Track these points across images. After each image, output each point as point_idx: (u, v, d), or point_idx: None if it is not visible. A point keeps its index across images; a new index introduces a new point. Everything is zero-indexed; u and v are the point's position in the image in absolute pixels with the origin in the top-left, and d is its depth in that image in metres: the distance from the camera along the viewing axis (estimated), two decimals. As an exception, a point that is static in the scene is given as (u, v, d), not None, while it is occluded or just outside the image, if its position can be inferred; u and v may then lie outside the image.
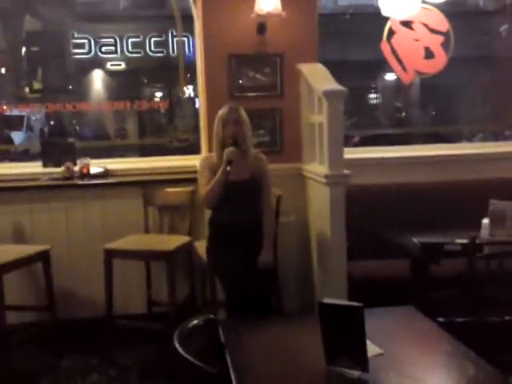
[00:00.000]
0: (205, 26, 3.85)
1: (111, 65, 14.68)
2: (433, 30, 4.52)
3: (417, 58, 4.55)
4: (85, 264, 3.96)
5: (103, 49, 14.20)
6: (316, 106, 3.55)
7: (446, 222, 3.60)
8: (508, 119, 5.86)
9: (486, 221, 3.21)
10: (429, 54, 4.54)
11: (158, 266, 3.81)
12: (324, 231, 3.38)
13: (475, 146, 5.63)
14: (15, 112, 12.08)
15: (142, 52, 14.19)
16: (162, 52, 14.10)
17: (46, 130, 14.80)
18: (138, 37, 14.10)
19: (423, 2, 4.20)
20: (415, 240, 3.16)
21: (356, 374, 1.73)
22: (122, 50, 14.17)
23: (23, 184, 3.99)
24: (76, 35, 14.17)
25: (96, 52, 14.20)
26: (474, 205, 3.66)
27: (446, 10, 4.61)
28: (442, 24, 4.55)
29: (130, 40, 14.11)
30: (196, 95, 5.55)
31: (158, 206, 3.91)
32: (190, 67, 4.61)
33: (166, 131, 11.99)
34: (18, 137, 13.33)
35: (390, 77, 14.05)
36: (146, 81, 15.60)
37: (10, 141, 12.34)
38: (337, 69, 3.79)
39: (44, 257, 3.53)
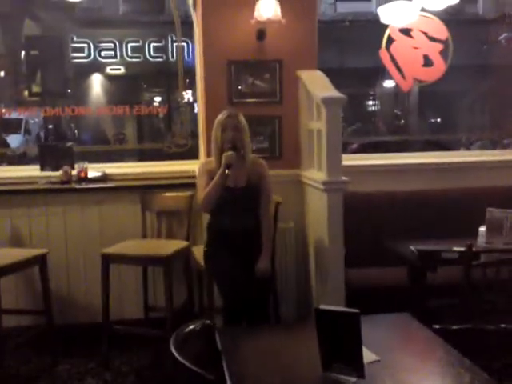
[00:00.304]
0: (204, 31, 3.86)
1: (110, 69, 14.69)
2: (432, 38, 4.55)
3: (416, 66, 4.57)
4: (82, 268, 3.96)
5: (102, 53, 14.21)
6: (315, 113, 3.55)
7: (443, 230, 3.62)
8: (506, 127, 5.88)
9: (482, 229, 3.22)
10: (428, 62, 4.56)
11: (155, 271, 3.82)
12: (322, 238, 3.38)
13: (473, 153, 5.64)
14: (13, 115, 12.09)
15: (142, 57, 14.22)
16: (161, 57, 14.12)
17: (42, 133, 14.80)
18: (137, 41, 14.12)
19: (422, 10, 4.21)
20: (412, 247, 3.17)
21: (352, 380, 1.73)
22: (121, 55, 14.19)
23: (21, 187, 3.99)
24: (75, 39, 14.19)
25: (95, 56, 14.21)
26: (471, 213, 3.68)
27: (445, 19, 4.63)
28: (441, 32, 4.58)
29: (130, 45, 14.13)
30: (195, 100, 5.55)
31: (156, 210, 3.91)
32: (189, 72, 4.62)
33: (164, 136, 12.00)
34: (15, 140, 13.33)
35: (388, 84, 14.08)
36: (145, 85, 15.62)
37: (6, 144, 12.35)
38: (335, 76, 3.79)
39: (41, 261, 3.52)
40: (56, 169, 4.09)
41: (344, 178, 3.27)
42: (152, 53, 14.20)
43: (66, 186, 3.99)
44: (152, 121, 14.79)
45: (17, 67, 15.31)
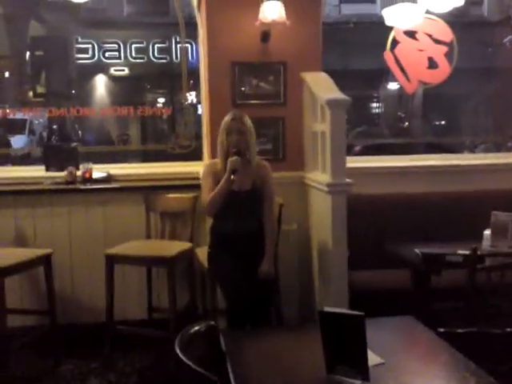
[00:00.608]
0: (209, 33, 3.86)
1: (114, 70, 14.72)
2: (437, 41, 4.55)
3: (420, 68, 4.57)
4: (86, 269, 3.97)
5: (107, 54, 14.25)
6: (319, 115, 3.55)
7: (448, 233, 3.61)
8: (511, 130, 5.86)
9: (487, 232, 3.22)
10: (432, 64, 4.56)
11: (159, 271, 3.82)
12: (325, 240, 3.37)
13: (477, 156, 5.64)
14: (18, 116, 12.12)
15: (146, 58, 14.24)
16: (165, 58, 14.14)
17: (44, 134, 14.83)
18: (141, 43, 14.15)
19: (427, 12, 4.21)
20: (417, 250, 3.16)
21: (357, 383, 1.73)
22: (125, 56, 14.22)
23: (26, 188, 4.00)
24: (80, 40, 14.23)
25: (99, 57, 14.25)
26: (475, 216, 3.67)
27: (450, 21, 4.63)
28: (446, 34, 4.57)
29: (134, 46, 14.17)
30: (198, 102, 5.56)
31: (160, 211, 3.91)
32: (193, 74, 4.63)
33: (167, 137, 12.01)
34: (20, 140, 13.36)
35: (392, 86, 14.07)
36: (148, 86, 15.64)
37: (9, 145, 12.39)
38: (339, 78, 3.79)
39: (45, 261, 3.52)
40: (61, 169, 4.11)
41: (348, 180, 3.27)
42: (156, 54, 14.23)
43: (70, 186, 4.00)
44: (156, 122, 14.80)
45: (22, 68, 15.36)
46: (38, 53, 14.90)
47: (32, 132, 14.61)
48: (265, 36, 3.79)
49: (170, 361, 3.40)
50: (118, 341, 3.55)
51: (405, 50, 4.54)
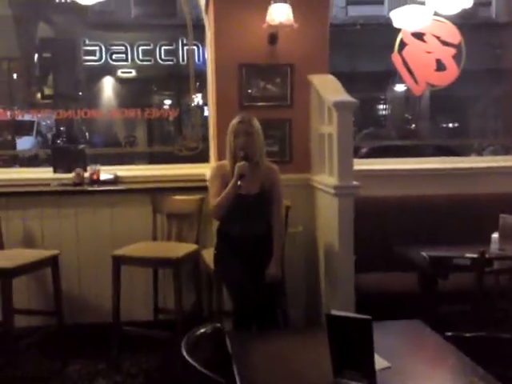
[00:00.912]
0: (216, 35, 3.87)
1: (122, 72, 14.77)
2: (445, 43, 4.53)
3: (428, 70, 4.55)
4: (93, 270, 3.98)
5: (114, 56, 14.30)
6: (326, 117, 3.55)
7: (455, 236, 3.59)
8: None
9: (495, 235, 3.20)
10: (440, 67, 4.54)
11: (165, 273, 3.82)
12: (332, 243, 3.37)
13: (485, 159, 5.62)
14: (26, 117, 12.17)
15: (153, 60, 14.29)
16: (171, 60, 14.18)
17: (49, 135, 14.89)
18: (148, 45, 14.20)
19: (435, 14, 4.19)
20: (424, 253, 3.15)
21: (364, 387, 1.72)
22: (132, 58, 14.27)
23: (34, 189, 4.02)
24: (87, 42, 14.29)
25: (107, 59, 14.30)
26: (483, 219, 3.66)
27: (458, 23, 4.62)
28: (454, 36, 4.56)
29: (141, 48, 14.21)
30: (205, 103, 5.57)
31: (167, 213, 3.92)
32: (199, 76, 4.64)
33: (174, 139, 12.03)
34: (27, 142, 13.42)
35: (399, 88, 14.04)
36: (155, 89, 15.68)
37: (15, 146, 12.45)
38: (346, 80, 3.79)
39: (53, 262, 3.54)
40: (68, 171, 4.13)
41: (355, 183, 3.26)
42: (163, 56, 14.27)
43: (78, 188, 4.02)
44: (162, 124, 14.84)
45: (30, 69, 15.45)
46: (45, 55, 14.99)
47: (40, 134, 14.67)
48: (272, 38, 3.79)
49: (176, 362, 3.40)
50: (124, 341, 3.55)
51: (413, 52, 4.53)
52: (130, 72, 14.67)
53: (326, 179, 3.53)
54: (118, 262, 3.51)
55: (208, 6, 4.03)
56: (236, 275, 3.03)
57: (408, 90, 4.95)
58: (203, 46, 4.34)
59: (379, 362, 1.81)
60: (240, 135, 3.03)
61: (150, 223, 3.89)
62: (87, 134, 14.31)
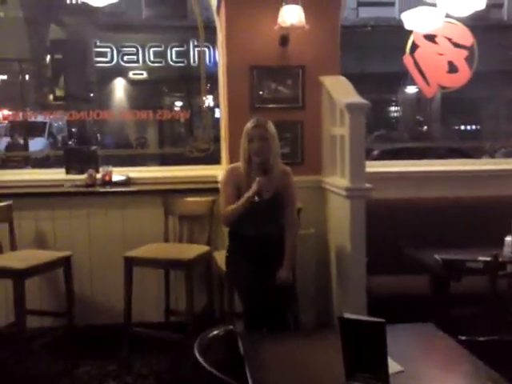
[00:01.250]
0: (228, 36, 3.87)
1: (133, 74, 14.83)
2: (457, 44, 4.51)
3: (440, 72, 4.54)
4: (105, 271, 3.99)
5: (125, 58, 14.37)
6: (338, 119, 3.54)
7: (468, 239, 3.56)
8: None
9: (509, 238, 3.18)
10: (452, 68, 4.52)
11: (176, 274, 3.83)
12: (344, 245, 3.36)
13: (497, 161, 5.58)
14: (39, 119, 12.27)
15: (164, 62, 14.33)
16: (182, 62, 14.23)
17: (59, 137, 14.99)
18: (159, 46, 14.25)
19: (447, 16, 4.18)
20: (436, 256, 3.13)
21: (377, 390, 1.72)
22: (143, 60, 14.32)
23: (46, 190, 4.04)
24: (98, 44, 14.36)
25: (118, 61, 14.37)
26: (496, 222, 3.63)
27: (470, 24, 4.60)
28: (466, 38, 4.54)
29: (152, 49, 14.26)
30: (216, 105, 5.58)
31: (178, 214, 3.92)
32: (210, 77, 4.65)
33: (185, 140, 12.08)
34: (39, 143, 13.51)
35: (410, 90, 13.98)
36: (166, 90, 15.74)
37: (27, 147, 12.55)
38: (357, 81, 3.78)
39: (65, 263, 3.55)
40: (81, 172, 4.14)
41: (367, 185, 3.25)
42: (174, 58, 14.31)
43: (90, 189, 4.03)
44: (173, 125, 14.88)
45: (41, 71, 15.56)
46: (57, 56, 15.10)
47: (51, 135, 14.77)
48: (284, 40, 3.79)
49: (188, 364, 3.40)
50: (135, 343, 3.56)
51: (424, 54, 4.52)
52: (141, 73, 14.74)
53: (337, 181, 3.53)
54: (130, 263, 3.52)
55: (220, 8, 4.04)
56: (247, 277, 3.02)
57: (419, 92, 4.94)
58: (214, 47, 4.34)
59: (392, 366, 1.80)
60: (255, 140, 2.98)
61: (161, 225, 3.90)
62: (98, 135, 14.39)
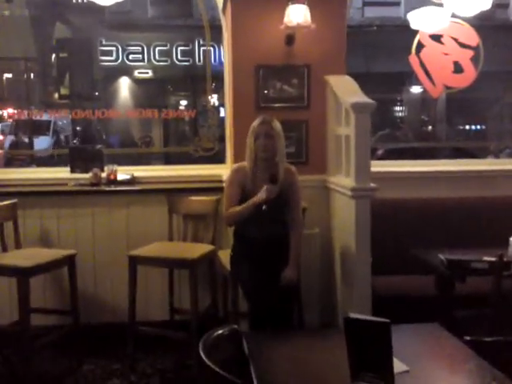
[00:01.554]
0: (233, 36, 3.87)
1: (138, 73, 14.85)
2: (462, 45, 4.50)
3: (446, 72, 4.52)
4: (109, 270, 4.00)
5: (130, 56, 14.38)
6: (343, 118, 3.54)
7: (472, 239, 3.55)
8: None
9: (514, 239, 3.16)
10: (458, 69, 4.51)
11: (181, 273, 3.83)
12: (348, 245, 3.35)
13: (502, 161, 5.57)
14: (45, 117, 12.31)
15: (169, 60, 14.34)
16: (188, 61, 14.24)
17: (62, 136, 15.02)
18: (165, 45, 14.26)
19: (453, 16, 4.16)
20: (441, 256, 3.12)
21: (382, 390, 1.71)
22: (149, 59, 14.34)
23: (51, 189, 4.05)
24: (104, 42, 14.38)
25: (123, 59, 14.39)
26: (501, 222, 3.63)
27: (476, 24, 4.58)
28: (472, 38, 4.53)
29: (157, 48, 14.28)
30: (221, 104, 5.58)
31: (183, 214, 3.92)
32: (215, 76, 4.65)
33: (189, 139, 12.09)
34: (44, 142, 13.55)
35: (415, 90, 13.96)
36: (171, 89, 15.75)
37: (32, 146, 12.59)
38: (362, 80, 3.77)
39: (69, 261, 3.56)
40: (86, 171, 4.14)
41: (372, 185, 3.24)
42: (179, 56, 14.32)
43: (95, 188, 4.03)
44: (178, 124, 14.90)
45: (47, 70, 15.60)
46: (62, 55, 15.13)
47: (56, 133, 14.80)
48: (289, 39, 3.78)
49: (192, 362, 3.41)
50: (139, 342, 3.56)
51: (430, 54, 4.50)
52: (147, 72, 14.75)
53: (342, 181, 3.52)
54: (135, 262, 3.53)
55: (226, 7, 4.04)
56: (252, 278, 3.02)
57: (424, 92, 4.92)
58: (219, 46, 4.34)
59: (397, 366, 1.80)
60: (260, 137, 2.99)
61: (166, 223, 3.90)
62: (103, 134, 14.41)
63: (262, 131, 2.99)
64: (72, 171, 4.27)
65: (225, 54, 4.27)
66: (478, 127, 15.00)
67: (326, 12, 3.82)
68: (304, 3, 3.60)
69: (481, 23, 4.83)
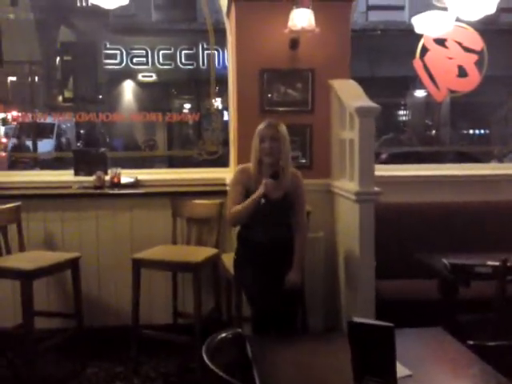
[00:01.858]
0: (238, 39, 3.88)
1: (142, 76, 14.88)
2: (467, 49, 4.50)
3: (450, 76, 4.53)
4: (113, 273, 4.00)
5: (134, 60, 14.42)
6: (347, 122, 3.54)
7: (476, 244, 3.56)
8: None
9: (518, 243, 3.16)
10: (462, 73, 4.51)
11: (184, 277, 3.83)
12: (352, 249, 3.35)
13: (506, 166, 5.56)
14: (49, 120, 12.33)
15: (173, 64, 14.37)
16: (191, 64, 14.26)
17: (63, 139, 15.06)
18: (169, 49, 14.29)
19: (457, 20, 4.17)
20: (445, 261, 3.11)
21: (385, 395, 1.71)
22: (153, 62, 14.37)
23: (55, 192, 4.06)
24: (108, 46, 14.43)
25: (127, 63, 14.43)
26: (505, 226, 3.62)
27: (480, 29, 4.58)
28: (477, 43, 4.53)
29: (161, 52, 14.31)
30: (225, 108, 5.59)
31: (187, 217, 3.93)
32: (219, 80, 4.66)
33: (193, 143, 12.10)
34: (48, 144, 13.59)
35: (419, 94, 13.95)
36: (175, 93, 15.78)
37: (36, 149, 12.61)
38: (366, 85, 3.77)
39: (73, 264, 3.57)
40: (89, 174, 4.15)
41: (376, 189, 3.24)
42: (183, 60, 14.35)
43: (98, 191, 4.04)
44: (181, 128, 14.91)
45: (51, 73, 15.65)
46: (67, 58, 15.18)
47: (59, 136, 14.84)
48: (294, 43, 3.79)
49: (196, 366, 3.41)
50: (143, 345, 3.57)
51: (434, 58, 4.51)
52: (151, 76, 14.78)
53: (346, 185, 3.52)
54: (138, 265, 3.53)
55: (230, 11, 4.05)
56: (255, 281, 3.01)
57: (428, 96, 4.91)
58: (223, 50, 4.35)
59: (400, 370, 1.80)
60: (266, 140, 2.99)
61: (169, 227, 3.91)
62: (107, 137, 14.44)
63: (268, 134, 2.99)
64: (76, 174, 4.28)
65: (229, 58, 4.28)
66: (482, 131, 14.98)
67: (331, 16, 3.82)
68: (308, 7, 3.60)
69: (485, 27, 4.83)
